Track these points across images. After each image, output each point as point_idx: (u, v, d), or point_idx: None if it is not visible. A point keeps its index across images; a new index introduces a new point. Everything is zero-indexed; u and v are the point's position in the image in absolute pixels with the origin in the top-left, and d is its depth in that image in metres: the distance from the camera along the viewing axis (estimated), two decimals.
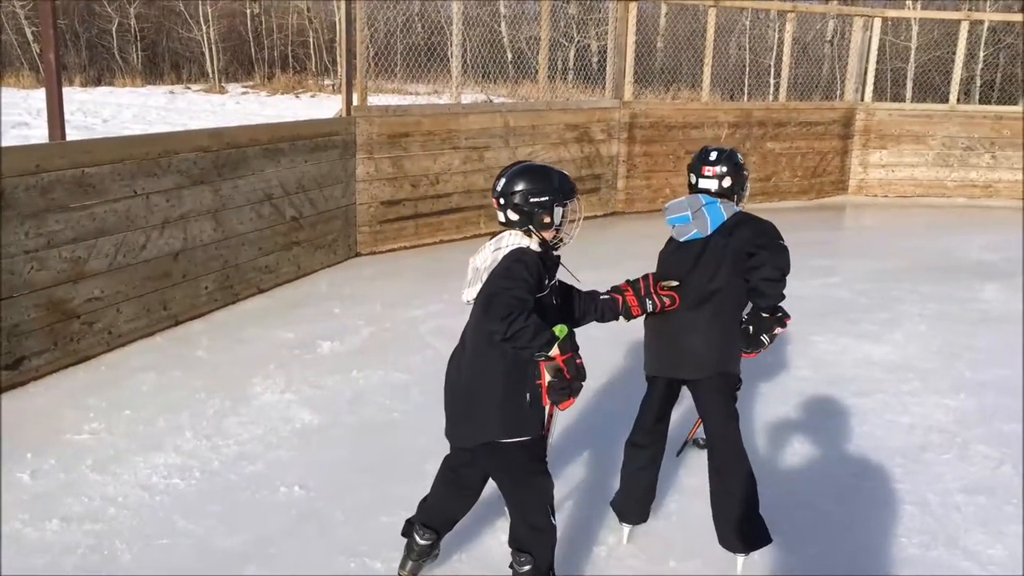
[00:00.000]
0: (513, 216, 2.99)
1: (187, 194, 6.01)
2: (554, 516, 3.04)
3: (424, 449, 4.14)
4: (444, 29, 10.27)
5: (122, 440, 4.37)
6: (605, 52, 11.07)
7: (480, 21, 10.49)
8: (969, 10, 18.77)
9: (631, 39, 10.47)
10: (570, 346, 2.79)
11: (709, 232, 3.39)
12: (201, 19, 29.41)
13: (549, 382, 2.85)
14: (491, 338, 2.78)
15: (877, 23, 12.46)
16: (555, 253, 3.04)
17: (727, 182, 3.47)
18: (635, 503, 3.58)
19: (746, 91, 18.73)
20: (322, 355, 5.63)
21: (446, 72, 9.89)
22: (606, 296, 3.35)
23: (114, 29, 29.87)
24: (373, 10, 8.75)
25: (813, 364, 5.65)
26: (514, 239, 2.96)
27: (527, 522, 3.00)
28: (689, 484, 4.03)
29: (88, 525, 3.62)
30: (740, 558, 3.41)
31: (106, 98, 23.19)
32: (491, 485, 3.21)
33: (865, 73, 12.46)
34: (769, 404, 4.98)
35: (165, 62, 30.25)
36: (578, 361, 2.81)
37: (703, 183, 3.49)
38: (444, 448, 3.17)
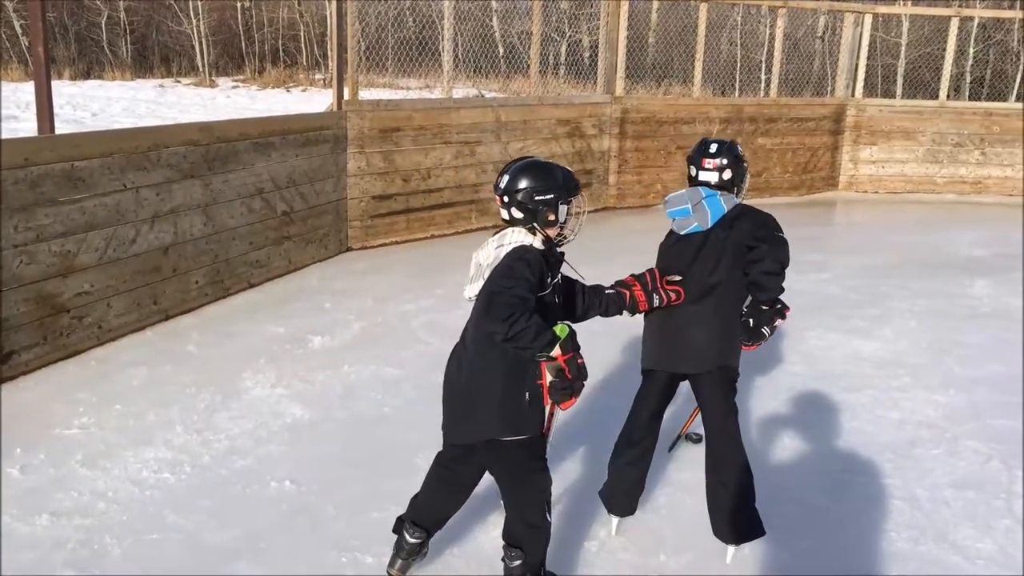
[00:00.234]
0: (517, 214, 2.95)
1: (177, 188, 5.98)
2: (550, 513, 3.04)
3: (415, 444, 4.14)
4: (435, 23, 10.26)
5: (112, 435, 4.35)
6: (597, 47, 11.05)
7: (472, 16, 10.47)
8: (959, 6, 18.81)
9: (623, 34, 10.47)
10: (571, 346, 2.79)
11: (709, 225, 3.39)
12: (191, 12, 29.24)
13: (551, 382, 2.84)
14: (492, 338, 2.77)
15: (868, 19, 12.50)
16: (558, 250, 3.03)
17: (727, 174, 3.47)
18: (624, 495, 3.58)
19: (737, 87, 18.77)
20: (313, 350, 5.62)
21: (437, 67, 9.87)
22: (611, 291, 3.35)
23: (103, 22, 29.66)
24: (364, 4, 8.72)
25: (803, 359, 5.67)
26: (517, 236, 2.92)
27: (523, 518, 3.01)
28: (680, 478, 4.04)
29: (78, 520, 3.61)
30: (730, 549, 3.42)
31: (95, 92, 23.03)
32: (483, 483, 3.21)
33: (856, 69, 12.49)
34: (760, 399, 5.00)
35: (155, 55, 30.06)
36: (579, 361, 2.81)
37: (703, 175, 3.48)
38: (436, 443, 3.17)
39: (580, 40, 18.63)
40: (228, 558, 3.40)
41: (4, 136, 5.21)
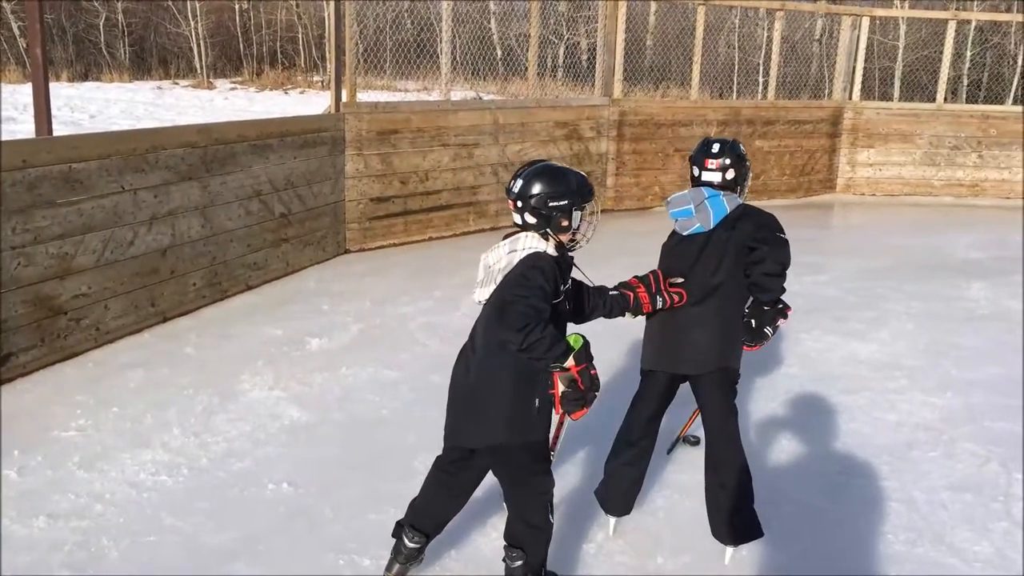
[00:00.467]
0: (530, 218, 2.90)
1: (175, 190, 5.98)
2: (552, 515, 3.03)
3: (413, 446, 4.14)
4: (434, 26, 10.25)
5: (109, 437, 4.35)
6: (594, 50, 11.06)
7: (470, 18, 10.46)
8: (957, 9, 18.85)
9: (620, 37, 10.48)
10: (585, 357, 2.79)
11: (712, 226, 3.38)
12: (189, 14, 29.24)
13: (563, 392, 2.83)
14: (505, 347, 2.76)
15: (865, 22, 12.52)
16: (570, 255, 3.00)
17: (730, 174, 3.46)
18: (620, 495, 3.57)
19: (735, 89, 18.78)
20: (311, 352, 5.62)
21: (436, 69, 9.88)
22: (615, 292, 3.34)
23: (101, 24, 29.65)
24: (362, 6, 8.72)
25: (801, 362, 5.67)
26: (531, 242, 2.88)
27: (524, 519, 3.00)
28: (678, 480, 4.04)
29: (75, 522, 3.60)
30: (728, 550, 3.42)
31: (93, 93, 23.03)
32: (482, 486, 3.21)
33: (853, 72, 12.50)
34: (757, 401, 5.00)
35: (153, 57, 30.05)
36: (592, 372, 2.81)
37: (706, 176, 3.47)
38: (434, 445, 3.16)
39: (578, 42, 18.64)
40: (225, 560, 3.40)
41: (2, 138, 5.21)
